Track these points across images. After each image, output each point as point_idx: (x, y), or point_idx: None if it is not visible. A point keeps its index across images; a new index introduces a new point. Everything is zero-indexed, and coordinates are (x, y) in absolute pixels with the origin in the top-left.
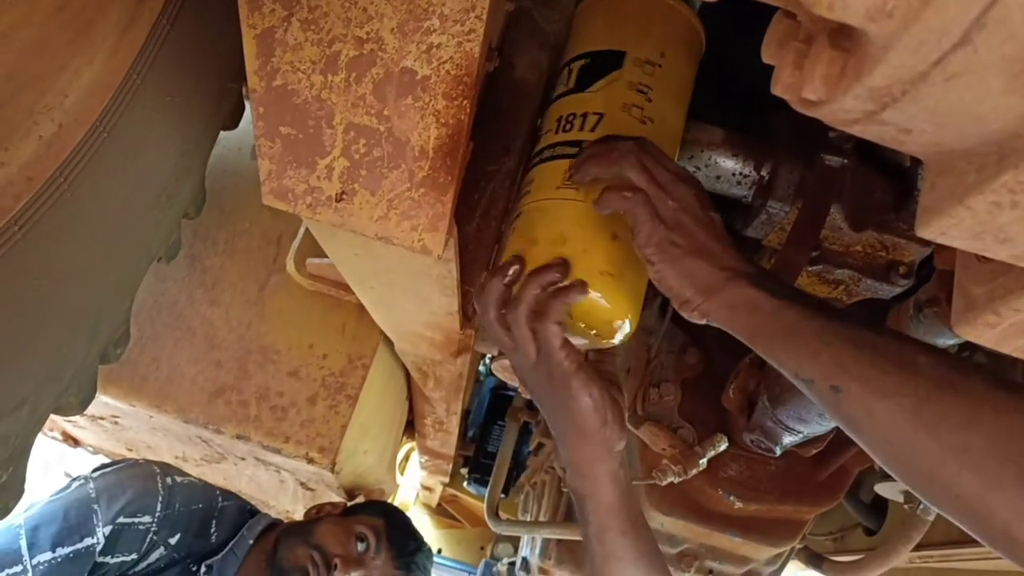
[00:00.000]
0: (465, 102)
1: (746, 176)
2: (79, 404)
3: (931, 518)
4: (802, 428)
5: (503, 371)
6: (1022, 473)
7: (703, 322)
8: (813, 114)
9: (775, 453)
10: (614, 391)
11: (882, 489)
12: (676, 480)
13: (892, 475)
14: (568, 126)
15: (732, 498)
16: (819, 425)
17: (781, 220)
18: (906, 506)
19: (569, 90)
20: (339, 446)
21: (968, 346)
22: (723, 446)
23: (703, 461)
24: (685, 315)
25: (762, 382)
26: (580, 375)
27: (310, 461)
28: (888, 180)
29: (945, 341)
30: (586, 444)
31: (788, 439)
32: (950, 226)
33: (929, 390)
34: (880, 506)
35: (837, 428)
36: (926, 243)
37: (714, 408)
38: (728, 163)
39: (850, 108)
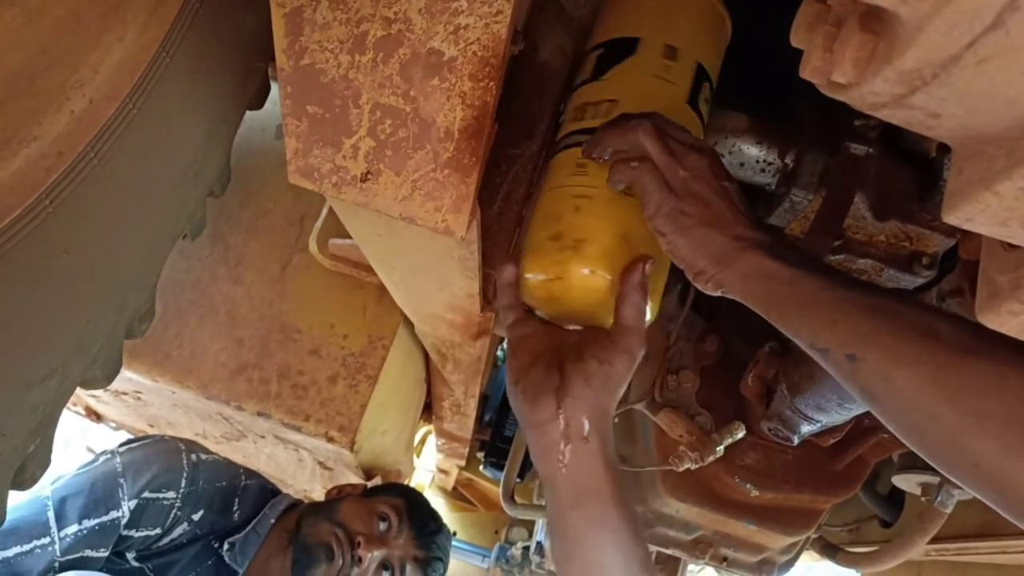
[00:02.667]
0: (491, 84)
1: (770, 164)
2: (105, 378)
3: (948, 511)
4: (820, 417)
5: None
6: None
7: (718, 293)
8: (842, 98)
9: (793, 442)
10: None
11: (899, 481)
12: (693, 467)
13: (909, 445)
14: (581, 115)
15: (748, 486)
16: (838, 415)
17: (804, 208)
18: (923, 498)
19: (585, 80)
20: (358, 425)
21: None
22: (740, 434)
23: (720, 448)
24: (700, 286)
25: (781, 370)
26: (510, 359)
27: (330, 440)
28: (913, 170)
29: None
30: (526, 429)
31: (806, 428)
32: (977, 212)
33: (950, 356)
34: (897, 498)
35: (855, 418)
36: (950, 234)
37: (732, 396)
38: (752, 150)
39: (879, 91)
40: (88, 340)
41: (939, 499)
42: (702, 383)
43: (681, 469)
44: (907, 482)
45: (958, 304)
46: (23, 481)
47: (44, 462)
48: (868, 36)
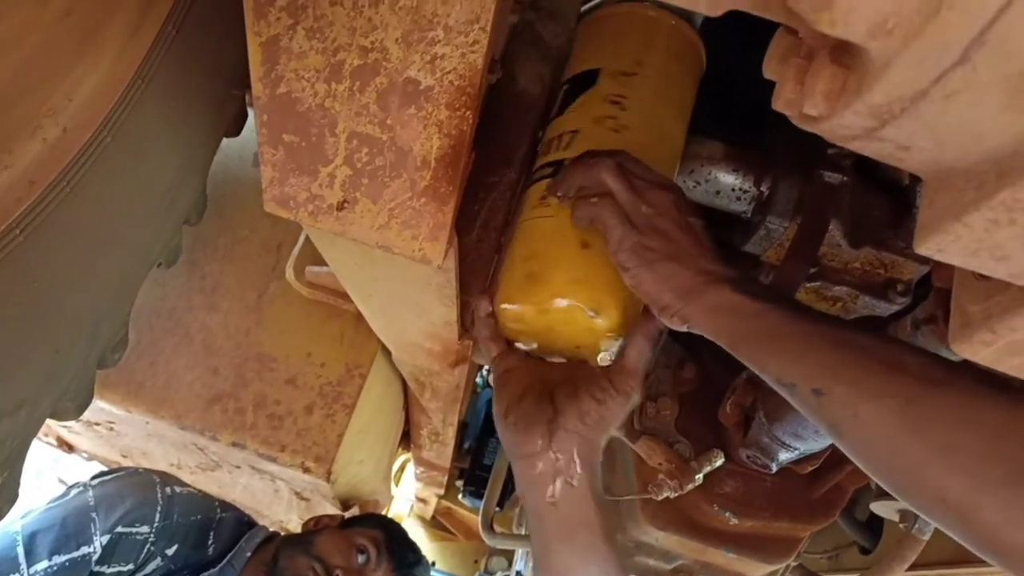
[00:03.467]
0: (468, 113)
1: (746, 191)
2: (76, 408)
3: (926, 537)
4: (798, 445)
5: None
6: (1011, 474)
7: (684, 328)
8: (814, 130)
9: (771, 470)
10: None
11: (878, 508)
12: (672, 495)
13: (876, 479)
14: (548, 148)
15: (728, 514)
16: (815, 442)
17: (780, 236)
18: (901, 525)
19: (554, 115)
20: (335, 456)
21: None
22: (719, 462)
23: (699, 476)
24: (666, 321)
25: (759, 398)
26: (498, 391)
27: (306, 470)
28: (886, 198)
29: None
30: (514, 460)
31: (784, 456)
32: (947, 243)
33: (916, 389)
34: (875, 525)
35: (833, 445)
36: (924, 261)
37: (710, 423)
38: (728, 178)
39: (850, 124)
40: (59, 370)
41: (917, 526)
42: (680, 410)
43: (660, 497)
44: (885, 509)
45: (932, 332)
46: None
47: (12, 496)
48: (839, 70)
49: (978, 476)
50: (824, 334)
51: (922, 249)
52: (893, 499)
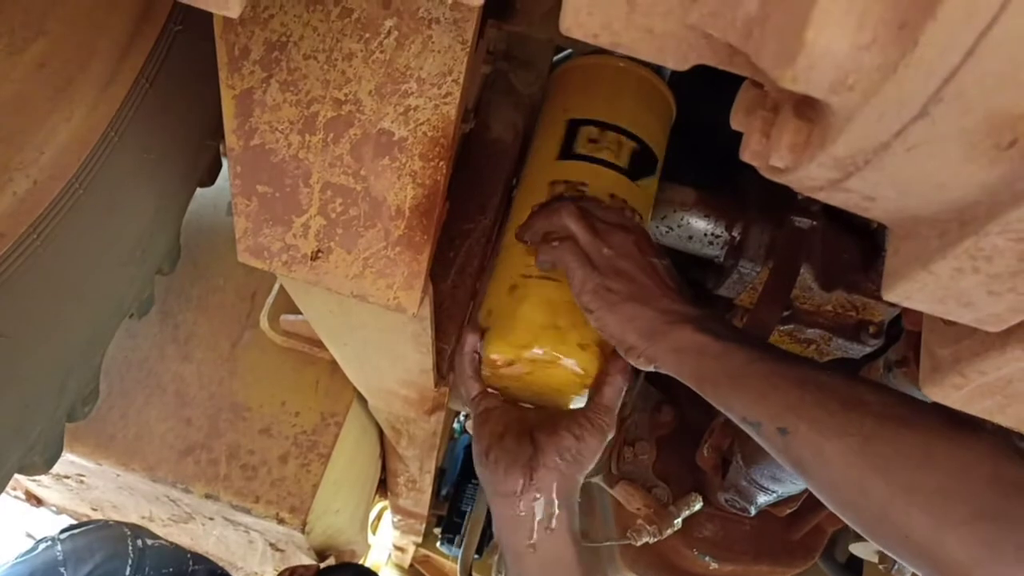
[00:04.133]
0: (441, 163)
1: (718, 236)
2: (45, 463)
3: None
4: (776, 487)
5: None
6: (975, 512)
7: (651, 368)
8: (780, 180)
9: (750, 513)
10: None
11: (856, 549)
12: (651, 540)
13: (842, 517)
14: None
15: (707, 558)
16: (793, 485)
17: (752, 280)
18: (881, 566)
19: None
20: (310, 506)
21: None
22: (698, 506)
23: (678, 521)
24: (632, 362)
25: (736, 441)
26: (478, 430)
27: (280, 521)
28: (857, 241)
29: None
30: (492, 498)
31: (762, 499)
32: (914, 290)
33: (877, 427)
34: (855, 566)
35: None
36: (895, 304)
37: (688, 467)
38: (700, 223)
39: (815, 176)
40: (27, 424)
41: (896, 567)
42: (658, 454)
43: (640, 543)
44: (864, 550)
45: (904, 374)
46: None
47: None
48: (803, 123)
49: (941, 515)
50: (787, 372)
51: (890, 296)
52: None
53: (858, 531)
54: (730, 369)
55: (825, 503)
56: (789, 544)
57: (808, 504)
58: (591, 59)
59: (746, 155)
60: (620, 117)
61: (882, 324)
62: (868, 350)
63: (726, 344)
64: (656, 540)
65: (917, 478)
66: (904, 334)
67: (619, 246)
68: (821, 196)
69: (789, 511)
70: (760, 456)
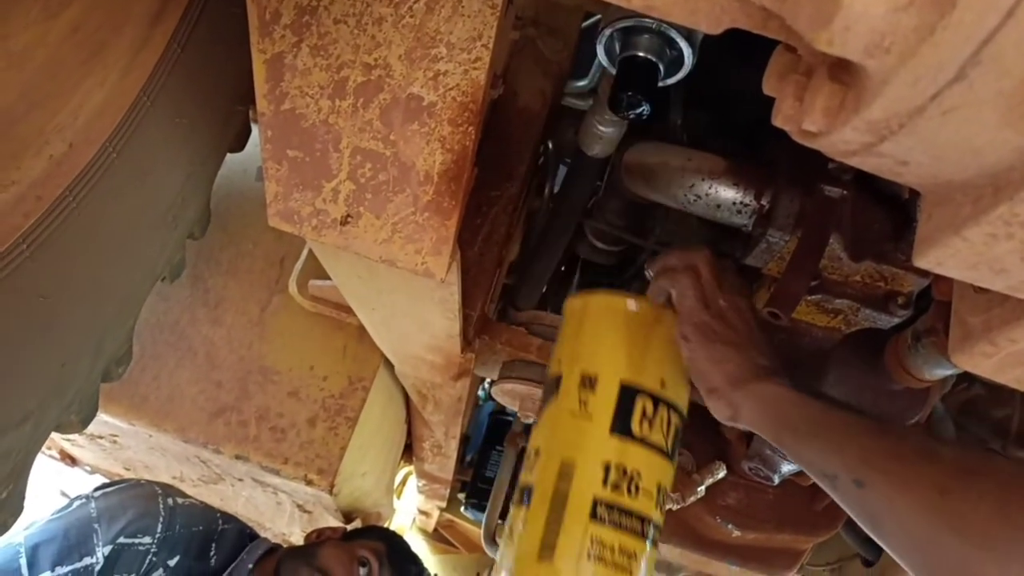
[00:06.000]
0: (470, 128)
1: (746, 205)
2: (81, 422)
3: None
4: None
5: (503, 395)
6: None
7: (726, 419)
8: (813, 145)
9: (773, 482)
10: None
11: None
12: (674, 508)
13: (911, 571)
14: (524, 465)
15: (730, 526)
16: None
17: (780, 249)
18: None
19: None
20: (338, 468)
21: (966, 377)
22: (721, 474)
23: (701, 489)
24: (711, 405)
25: None
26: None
27: (308, 483)
28: (887, 211)
29: (943, 371)
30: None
31: (786, 468)
32: (946, 256)
33: (951, 480)
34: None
35: None
36: (924, 274)
37: (713, 437)
38: (729, 192)
39: (849, 140)
40: (64, 384)
41: None
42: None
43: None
44: None
45: (933, 344)
46: None
47: (16, 509)
48: (837, 87)
49: (1015, 572)
50: (861, 423)
51: (921, 262)
52: None
53: None
54: (809, 417)
55: (896, 557)
56: (812, 513)
57: None
58: (634, 304)
59: (778, 120)
60: (592, 364)
61: (911, 295)
62: (896, 321)
63: (806, 397)
64: (680, 508)
65: (991, 532)
66: (933, 304)
67: (733, 302)
68: (854, 161)
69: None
70: None
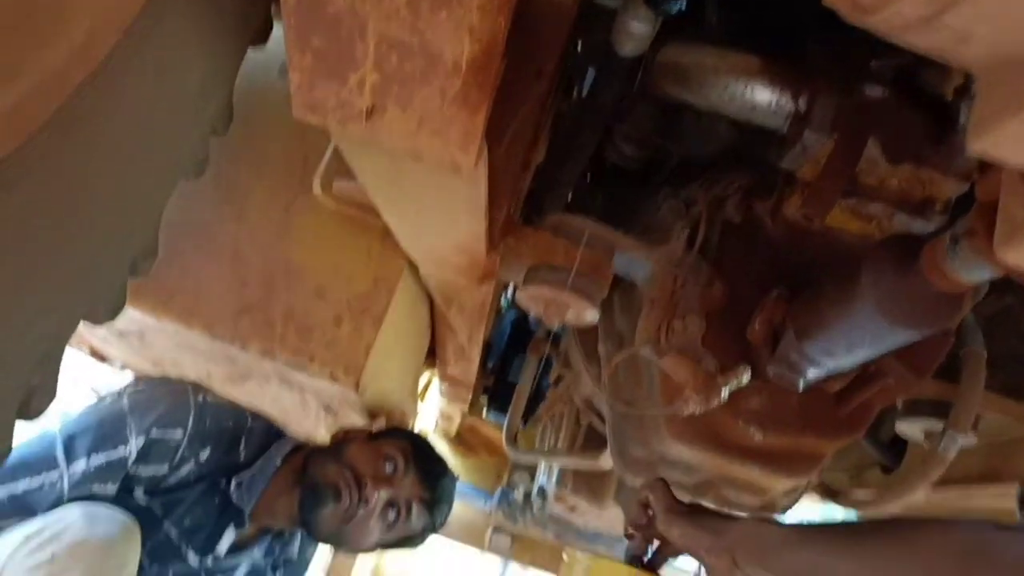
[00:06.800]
0: (500, 17)
1: (782, 106)
2: (109, 312)
3: (951, 456)
4: (828, 362)
5: (528, 299)
6: None
7: (728, 563)
8: (867, 23)
9: (798, 387)
10: None
11: (903, 427)
12: (697, 410)
13: None
14: None
15: (753, 430)
16: (846, 360)
17: (816, 152)
18: (925, 444)
19: None
20: (363, 366)
21: (998, 287)
22: (745, 378)
23: (725, 392)
24: (711, 563)
25: (789, 315)
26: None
27: (334, 380)
28: (927, 113)
29: (981, 274)
30: None
31: (812, 373)
32: (1004, 139)
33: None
34: (899, 445)
35: (862, 364)
36: (964, 179)
37: (738, 340)
38: (764, 93)
39: (906, 13)
40: (92, 274)
41: (942, 445)
42: (708, 328)
43: (686, 413)
44: (911, 428)
45: (971, 246)
46: (29, 412)
47: (50, 394)
48: None
49: None
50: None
51: (976, 145)
52: (919, 418)
53: None
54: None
55: None
56: (836, 419)
57: (857, 380)
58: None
59: None
60: None
61: (949, 201)
62: (932, 227)
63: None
64: (702, 411)
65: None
66: (975, 205)
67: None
68: (909, 38)
69: (839, 387)
70: (814, 330)
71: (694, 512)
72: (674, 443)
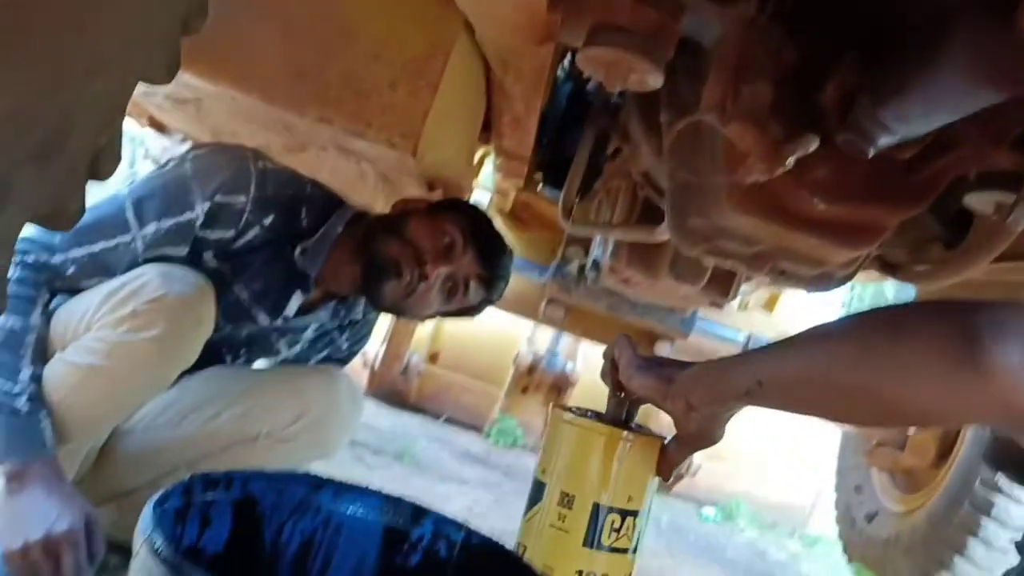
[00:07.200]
0: None
1: None
2: (164, 71)
3: (1018, 229)
4: (902, 128)
5: (589, 62)
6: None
7: (683, 407)
8: None
9: (868, 155)
10: None
11: (972, 199)
12: (760, 179)
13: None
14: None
15: (816, 199)
16: (921, 125)
17: None
18: (994, 216)
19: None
20: (420, 131)
21: None
22: (813, 146)
23: (790, 161)
24: (669, 408)
25: (864, 80)
26: None
27: (392, 146)
28: None
29: None
30: None
31: (884, 139)
32: None
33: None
34: (964, 220)
35: (936, 130)
36: None
37: (807, 108)
38: None
39: None
40: (143, 29)
41: (1012, 216)
42: (776, 94)
43: (748, 182)
44: (980, 200)
45: None
46: (99, 173)
47: (116, 155)
48: None
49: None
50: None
51: None
52: (991, 190)
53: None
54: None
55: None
56: (903, 188)
57: (931, 148)
58: (611, 436)
59: None
60: (637, 500)
61: None
62: None
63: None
64: (766, 179)
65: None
66: None
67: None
68: None
69: (910, 154)
70: (891, 94)
71: (652, 364)
72: (734, 213)
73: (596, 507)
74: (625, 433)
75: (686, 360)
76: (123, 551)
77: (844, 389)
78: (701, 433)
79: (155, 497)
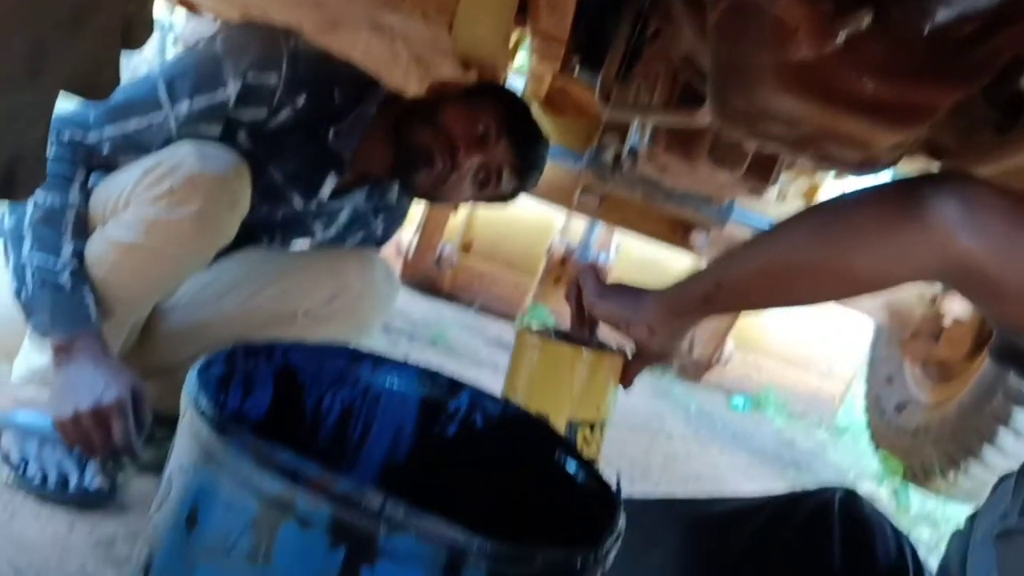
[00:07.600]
0: None
1: None
2: None
3: None
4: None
5: None
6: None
7: (645, 333)
8: None
9: (924, 30)
10: None
11: None
12: (809, 55)
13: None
14: None
15: (866, 79)
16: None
17: None
18: None
19: None
20: (456, 5)
21: None
22: (866, 21)
23: (841, 36)
24: (633, 333)
25: None
26: None
27: (427, 20)
28: None
29: None
30: None
31: (943, 14)
32: None
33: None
34: (1017, 105)
35: (996, 5)
36: None
37: None
38: None
39: None
40: None
41: None
42: None
43: (797, 58)
44: None
45: None
46: (131, 42)
47: (148, 23)
48: None
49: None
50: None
51: None
52: None
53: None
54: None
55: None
56: (958, 67)
57: (990, 22)
58: (578, 354)
59: None
60: (605, 409)
61: None
62: None
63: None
64: (814, 56)
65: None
66: None
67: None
68: None
69: (970, 29)
70: None
71: (615, 291)
72: (780, 93)
73: (569, 423)
74: (586, 351)
75: (642, 288)
76: (168, 424)
77: (801, 269)
78: (661, 351)
79: (199, 363)
